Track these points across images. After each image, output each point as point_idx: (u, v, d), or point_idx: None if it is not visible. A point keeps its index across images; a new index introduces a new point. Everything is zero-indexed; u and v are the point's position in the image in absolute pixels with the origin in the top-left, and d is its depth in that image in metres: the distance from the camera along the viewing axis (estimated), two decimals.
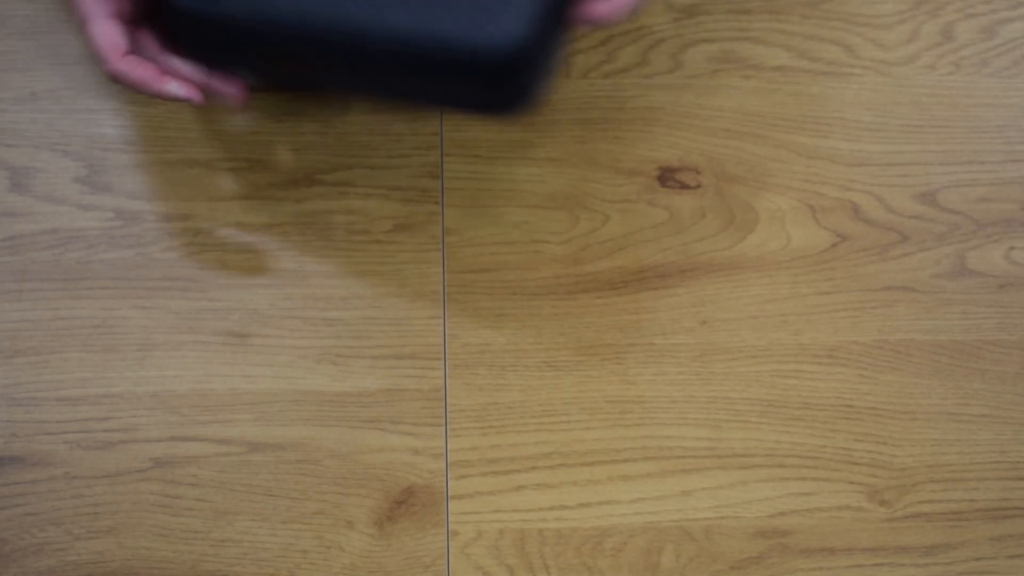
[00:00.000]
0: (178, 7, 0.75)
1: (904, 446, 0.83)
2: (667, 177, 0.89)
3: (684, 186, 0.89)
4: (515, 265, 0.85)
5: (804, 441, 0.83)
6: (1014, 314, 0.87)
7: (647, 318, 0.84)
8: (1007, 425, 0.84)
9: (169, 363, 0.83)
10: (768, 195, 0.89)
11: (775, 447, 0.83)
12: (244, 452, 0.81)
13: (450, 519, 0.81)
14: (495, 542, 0.80)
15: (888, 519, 0.82)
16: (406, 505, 0.81)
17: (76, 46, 0.90)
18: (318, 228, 0.85)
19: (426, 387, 0.83)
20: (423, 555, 0.80)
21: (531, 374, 0.83)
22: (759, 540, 0.81)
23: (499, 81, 0.73)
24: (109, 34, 0.76)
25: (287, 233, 0.86)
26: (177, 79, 0.77)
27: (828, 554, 0.81)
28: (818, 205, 0.89)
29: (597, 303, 0.84)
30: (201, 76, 0.78)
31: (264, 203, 0.87)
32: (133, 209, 0.87)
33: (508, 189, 0.86)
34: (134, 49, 0.77)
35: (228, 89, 0.78)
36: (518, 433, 0.82)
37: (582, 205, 0.86)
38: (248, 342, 0.84)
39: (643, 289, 0.85)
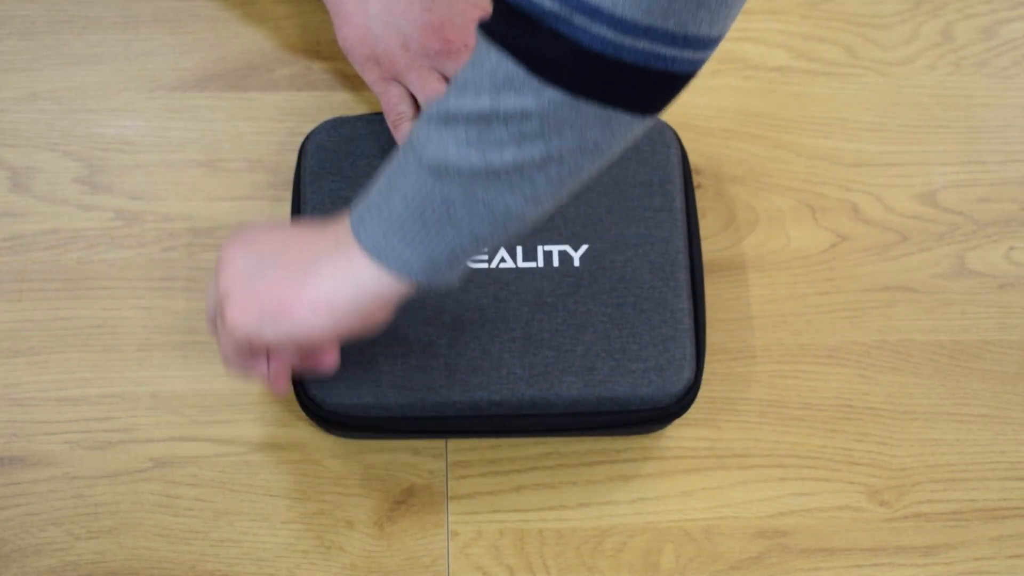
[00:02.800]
0: (324, 407, 0.77)
1: (904, 446, 0.83)
2: None
3: None
4: None
5: (804, 441, 0.83)
6: (1014, 314, 0.87)
7: None
8: (1007, 425, 0.84)
9: (169, 363, 0.83)
10: (768, 195, 0.89)
11: (775, 447, 0.83)
12: (244, 452, 0.81)
13: (450, 519, 0.81)
14: (495, 542, 0.80)
15: (888, 519, 0.82)
16: (406, 505, 0.81)
17: (77, 46, 0.90)
18: None
19: None
20: (423, 555, 0.80)
21: None
22: (759, 540, 0.81)
23: (674, 413, 0.79)
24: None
25: None
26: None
27: (828, 554, 0.81)
28: (818, 205, 0.89)
29: None
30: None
31: (264, 203, 0.87)
32: (133, 209, 0.87)
33: None
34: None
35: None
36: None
37: None
38: None
39: None
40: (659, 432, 0.82)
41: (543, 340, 0.77)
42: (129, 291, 0.84)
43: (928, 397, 0.84)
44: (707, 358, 0.83)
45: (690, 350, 0.78)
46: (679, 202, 0.81)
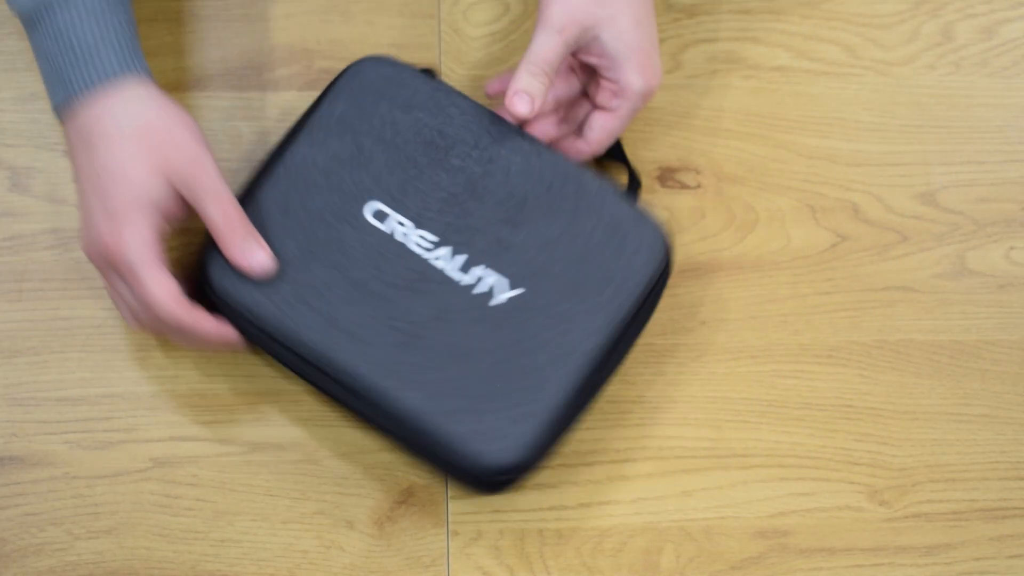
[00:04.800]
0: (213, 289, 0.77)
1: (904, 446, 0.83)
2: (667, 177, 0.89)
3: (684, 186, 0.89)
4: None
5: (804, 441, 0.83)
6: (1014, 314, 0.87)
7: None
8: (1007, 425, 0.84)
9: (169, 363, 0.83)
10: (768, 195, 0.89)
11: (775, 447, 0.83)
12: (244, 452, 0.81)
13: (450, 519, 0.81)
14: (495, 542, 0.80)
15: (888, 519, 0.82)
16: (406, 505, 0.81)
17: None
18: None
19: None
20: (423, 555, 0.80)
21: None
22: (759, 540, 0.81)
23: (487, 484, 0.77)
24: (166, 281, 0.74)
25: None
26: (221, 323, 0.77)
27: (828, 554, 0.81)
28: (818, 205, 0.89)
29: None
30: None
31: None
32: None
33: None
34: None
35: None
36: None
37: None
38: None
39: None
40: (659, 432, 0.82)
41: (425, 347, 0.76)
42: None
43: (928, 397, 0.85)
44: (708, 357, 0.83)
45: (531, 439, 0.75)
46: (625, 309, 0.77)
